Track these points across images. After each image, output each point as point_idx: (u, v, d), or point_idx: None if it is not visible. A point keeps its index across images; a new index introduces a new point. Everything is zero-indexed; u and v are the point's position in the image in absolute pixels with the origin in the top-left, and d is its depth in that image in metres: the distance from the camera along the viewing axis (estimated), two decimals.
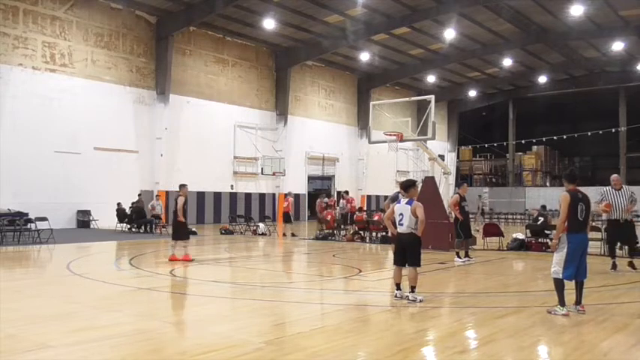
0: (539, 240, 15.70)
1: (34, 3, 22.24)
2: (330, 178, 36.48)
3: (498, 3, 26.69)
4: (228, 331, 6.40)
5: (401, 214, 8.13)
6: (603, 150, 42.31)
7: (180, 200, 13.07)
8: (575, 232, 7.06)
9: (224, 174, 29.37)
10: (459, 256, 13.13)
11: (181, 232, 13.01)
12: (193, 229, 21.90)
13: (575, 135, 39.59)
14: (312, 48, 31.53)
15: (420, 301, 7.88)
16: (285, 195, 24.73)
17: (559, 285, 7.09)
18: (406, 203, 8.15)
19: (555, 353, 5.67)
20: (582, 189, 7.48)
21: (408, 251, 8.17)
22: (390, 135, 18.45)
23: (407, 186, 8.34)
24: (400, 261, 8.27)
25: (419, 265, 8.18)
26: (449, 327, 6.77)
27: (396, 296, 8.10)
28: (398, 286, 8.18)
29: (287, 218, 21.73)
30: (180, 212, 12.98)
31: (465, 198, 13.45)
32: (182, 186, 13.43)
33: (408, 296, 8.01)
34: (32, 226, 17.21)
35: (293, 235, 20.96)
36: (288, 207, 21.76)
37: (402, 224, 8.13)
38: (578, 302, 7.18)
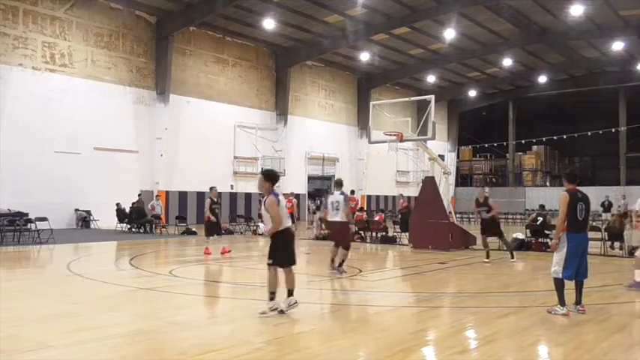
0: (539, 240, 15.70)
1: (34, 3, 22.24)
2: (330, 178, 36.44)
3: (498, 3, 26.69)
4: (228, 331, 6.40)
5: (337, 202, 10.81)
6: (603, 150, 42.30)
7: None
8: (575, 231, 7.03)
9: (224, 174, 29.35)
10: None
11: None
12: (193, 229, 21.94)
13: (575, 135, 39.57)
14: (312, 48, 31.53)
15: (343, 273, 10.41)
16: (286, 195, 24.74)
17: (559, 285, 7.08)
18: (340, 194, 10.92)
19: (555, 353, 5.67)
20: (582, 189, 7.47)
21: (340, 237, 10.74)
22: (390, 135, 18.43)
23: (339, 183, 11.38)
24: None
25: (349, 248, 10.96)
26: (449, 327, 6.78)
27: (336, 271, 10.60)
28: (333, 261, 10.79)
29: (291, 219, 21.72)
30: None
31: None
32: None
33: (337, 269, 10.51)
34: (32, 226, 17.20)
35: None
36: (292, 208, 21.75)
37: (338, 209, 10.79)
38: (578, 302, 7.17)
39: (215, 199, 14.27)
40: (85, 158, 23.65)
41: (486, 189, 15.69)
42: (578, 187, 7.29)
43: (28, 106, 22.01)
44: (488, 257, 13.21)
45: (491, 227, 13.67)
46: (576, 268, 7.04)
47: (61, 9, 23.10)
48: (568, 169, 7.80)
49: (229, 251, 14.44)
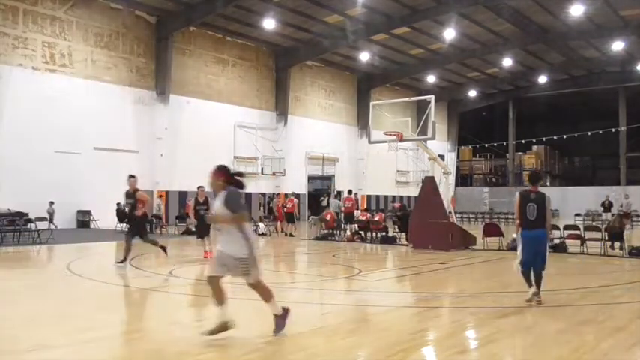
0: None
1: (34, 3, 22.23)
2: (330, 178, 36.47)
3: (498, 3, 26.69)
4: (228, 331, 6.39)
5: None
6: (603, 150, 42.26)
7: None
8: (525, 229, 7.68)
9: None
10: None
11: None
12: (193, 229, 21.90)
13: (575, 135, 39.53)
14: (312, 48, 31.53)
15: None
16: (286, 195, 24.77)
17: (522, 274, 7.75)
18: None
19: (555, 353, 5.67)
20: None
21: None
22: (390, 135, 18.43)
23: None
24: None
25: None
26: (449, 327, 6.77)
27: None
28: None
29: (291, 218, 21.75)
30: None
31: None
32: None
33: None
34: (32, 226, 17.20)
35: (291, 235, 20.94)
36: (293, 207, 21.79)
37: None
38: (536, 293, 7.57)
39: (201, 200, 13.61)
40: (85, 158, 23.64)
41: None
42: (537, 189, 7.90)
43: (28, 106, 22.00)
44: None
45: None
46: (530, 259, 7.60)
47: (61, 9, 23.10)
48: (531, 171, 8.77)
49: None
